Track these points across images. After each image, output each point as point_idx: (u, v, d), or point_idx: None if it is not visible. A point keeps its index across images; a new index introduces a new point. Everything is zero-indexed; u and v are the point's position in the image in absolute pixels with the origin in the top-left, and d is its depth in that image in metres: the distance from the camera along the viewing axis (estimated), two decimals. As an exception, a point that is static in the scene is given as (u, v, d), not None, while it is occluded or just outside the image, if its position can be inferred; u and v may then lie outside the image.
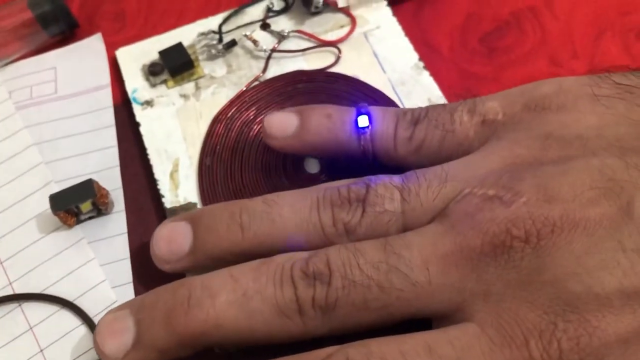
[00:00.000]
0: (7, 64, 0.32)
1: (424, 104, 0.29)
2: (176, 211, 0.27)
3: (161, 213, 0.27)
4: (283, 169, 0.28)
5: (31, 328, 0.25)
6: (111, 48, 0.32)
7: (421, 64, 0.30)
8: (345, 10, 0.31)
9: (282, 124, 0.25)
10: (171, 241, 0.23)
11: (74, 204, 0.26)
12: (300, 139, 0.25)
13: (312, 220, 0.22)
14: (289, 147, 0.25)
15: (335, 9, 0.31)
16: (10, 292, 0.26)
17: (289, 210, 0.23)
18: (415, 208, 0.22)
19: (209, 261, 0.23)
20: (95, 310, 0.25)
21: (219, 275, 0.22)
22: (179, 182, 0.28)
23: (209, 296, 0.21)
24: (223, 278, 0.21)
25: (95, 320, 0.25)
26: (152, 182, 0.28)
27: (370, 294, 0.20)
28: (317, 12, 0.31)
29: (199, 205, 0.27)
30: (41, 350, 0.25)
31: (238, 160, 0.28)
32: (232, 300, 0.21)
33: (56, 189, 0.27)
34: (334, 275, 0.20)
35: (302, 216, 0.22)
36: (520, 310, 0.19)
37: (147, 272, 0.26)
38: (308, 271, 0.21)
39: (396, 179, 0.22)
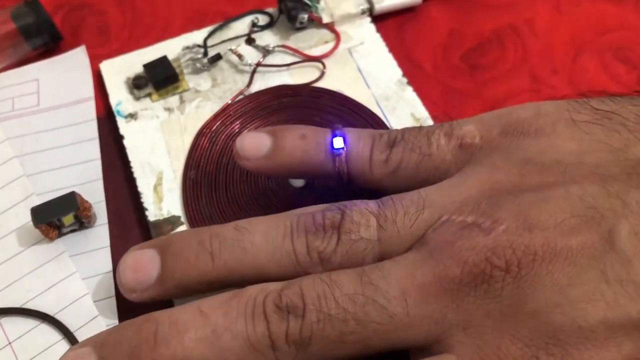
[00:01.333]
0: (-12, 76, 0.31)
1: (407, 119, 0.29)
2: (160, 224, 0.27)
3: (145, 226, 0.27)
4: (267, 182, 0.28)
5: (10, 343, 0.25)
6: (95, 61, 0.32)
7: (405, 80, 0.30)
8: (330, 26, 0.32)
9: (254, 144, 0.24)
10: (138, 269, 0.22)
11: (56, 217, 0.25)
12: (274, 160, 0.24)
13: (286, 249, 0.22)
14: (262, 168, 0.24)
15: (320, 24, 0.32)
16: (-10, 306, 0.25)
17: (262, 237, 0.22)
18: (392, 236, 0.21)
19: (177, 290, 0.23)
20: (77, 324, 0.25)
21: (187, 310, 0.21)
22: (162, 196, 0.28)
23: (176, 333, 0.20)
24: (192, 313, 0.20)
25: (77, 334, 0.24)
26: (135, 195, 0.28)
27: (346, 327, 0.20)
28: (301, 28, 0.31)
29: (182, 219, 0.27)
30: (21, 366, 0.24)
31: (222, 173, 0.28)
32: (201, 337, 0.20)
33: (38, 201, 0.27)
34: (308, 308, 0.20)
35: (275, 244, 0.22)
36: (501, 343, 0.19)
37: (130, 286, 0.26)
38: (281, 304, 0.20)
39: (372, 204, 0.22)
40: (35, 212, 0.25)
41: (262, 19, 0.32)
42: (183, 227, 0.27)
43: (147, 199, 0.27)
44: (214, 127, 0.29)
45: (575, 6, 0.33)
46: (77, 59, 0.31)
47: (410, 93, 0.30)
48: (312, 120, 0.29)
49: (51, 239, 0.26)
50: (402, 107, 0.29)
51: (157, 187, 0.28)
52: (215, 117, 0.29)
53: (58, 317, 0.25)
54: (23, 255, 0.26)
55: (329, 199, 0.26)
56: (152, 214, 0.27)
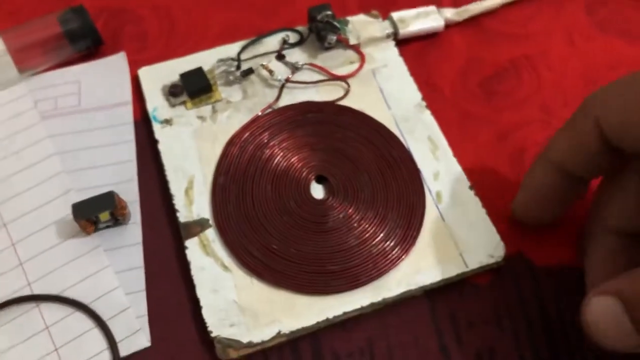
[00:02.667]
0: (33, 75, 0.33)
1: (424, 141, 0.31)
2: (190, 225, 0.29)
3: (175, 226, 0.29)
4: (290, 193, 0.29)
5: (47, 328, 0.27)
6: (132, 66, 0.34)
7: (424, 103, 0.32)
8: (356, 48, 0.33)
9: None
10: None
11: (95, 214, 0.27)
12: None
13: None
14: None
15: (347, 46, 0.33)
16: (29, 293, 0.27)
17: None
18: None
19: None
20: (109, 314, 0.27)
21: None
22: (193, 199, 0.29)
23: None
24: None
25: (109, 324, 0.26)
26: (167, 197, 0.30)
27: None
28: (329, 48, 0.33)
29: (210, 222, 0.29)
30: (56, 349, 0.26)
31: (249, 181, 0.30)
32: None
33: (76, 197, 0.29)
34: None
35: None
36: None
37: (159, 282, 0.28)
38: None
39: None
40: (76, 207, 0.27)
41: (293, 37, 0.34)
42: (211, 230, 0.29)
43: (179, 201, 0.29)
44: (244, 137, 0.31)
45: (588, 41, 0.35)
46: (117, 64, 0.33)
47: (428, 116, 0.32)
48: (334, 136, 0.31)
49: (88, 234, 0.28)
50: (420, 129, 0.31)
51: (188, 191, 0.30)
52: (245, 127, 0.31)
53: (92, 306, 0.27)
54: (61, 247, 0.28)
55: (350, 205, 0.29)
56: (182, 216, 0.29)
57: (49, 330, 0.26)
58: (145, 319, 0.27)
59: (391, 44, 0.34)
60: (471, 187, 0.29)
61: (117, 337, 0.26)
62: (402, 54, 0.34)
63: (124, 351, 0.26)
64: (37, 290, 0.27)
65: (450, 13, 0.35)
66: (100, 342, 0.26)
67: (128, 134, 0.31)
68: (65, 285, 0.27)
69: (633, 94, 0.23)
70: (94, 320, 0.27)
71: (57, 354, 0.26)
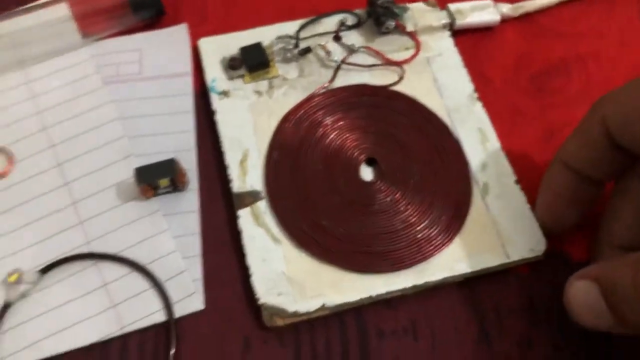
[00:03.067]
0: (96, 40, 0.34)
1: (474, 132, 0.32)
2: (242, 196, 0.30)
3: (229, 196, 0.30)
4: (341, 172, 0.30)
5: (105, 285, 0.28)
6: (192, 38, 0.35)
7: (475, 95, 0.33)
8: (412, 35, 0.34)
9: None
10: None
11: (156, 179, 0.28)
12: None
13: None
14: None
15: (403, 32, 0.34)
16: (88, 251, 0.29)
17: None
18: None
19: None
20: (165, 276, 0.28)
21: None
22: (247, 170, 0.30)
23: None
24: None
25: (165, 285, 0.28)
26: (222, 167, 0.31)
27: None
28: (386, 33, 0.34)
29: (263, 194, 0.30)
30: (114, 306, 0.27)
31: (302, 158, 0.31)
32: None
33: (136, 162, 0.30)
34: None
35: None
36: None
37: (215, 247, 0.29)
38: None
39: None
40: (139, 172, 0.29)
41: (351, 19, 0.35)
42: (263, 202, 0.30)
43: (233, 172, 0.30)
44: (299, 114, 0.32)
45: (639, 42, 0.36)
46: (178, 35, 0.34)
47: (479, 108, 0.32)
48: (386, 121, 0.32)
49: (147, 198, 0.30)
50: (471, 120, 0.32)
51: (242, 162, 0.31)
52: (300, 105, 0.32)
53: (149, 267, 0.28)
54: (120, 209, 0.29)
55: (398, 189, 0.30)
56: (236, 186, 0.30)
57: (107, 288, 0.28)
58: (200, 282, 0.28)
59: (447, 34, 0.35)
60: (517, 182, 0.30)
61: (173, 298, 0.28)
62: (457, 44, 0.34)
63: (178, 312, 0.27)
64: (96, 248, 0.29)
65: (506, 8, 0.35)
66: (156, 303, 0.28)
67: (187, 104, 0.32)
68: (124, 246, 0.29)
69: (637, 93, 0.24)
70: (150, 281, 0.28)
71: (114, 310, 0.27)
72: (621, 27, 0.36)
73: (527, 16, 0.36)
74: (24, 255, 0.29)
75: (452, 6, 0.35)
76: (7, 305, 0.27)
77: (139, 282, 0.28)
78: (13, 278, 0.28)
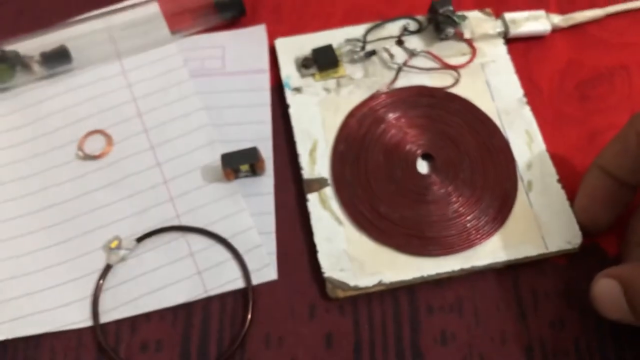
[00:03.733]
0: (183, 37, 0.38)
1: (522, 133, 0.35)
2: (311, 182, 0.34)
3: (299, 182, 0.34)
4: (399, 164, 0.34)
5: (192, 254, 0.32)
6: (268, 37, 0.38)
7: (524, 99, 0.36)
8: (469, 41, 0.37)
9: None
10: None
11: (240, 164, 0.33)
12: None
13: None
14: None
15: (461, 38, 0.37)
16: (177, 223, 0.33)
17: None
18: None
19: None
20: (243, 249, 0.32)
21: None
22: (316, 159, 0.34)
23: None
24: None
25: (244, 256, 0.32)
26: (294, 156, 0.35)
27: None
28: (445, 39, 0.37)
29: (329, 181, 0.34)
30: (199, 272, 0.32)
31: (365, 150, 0.35)
32: None
33: (220, 148, 0.34)
34: None
35: None
36: None
37: (286, 226, 0.33)
38: None
39: None
40: (225, 157, 0.33)
41: (412, 25, 0.38)
42: (329, 188, 0.34)
43: (304, 160, 0.34)
44: (363, 111, 0.36)
45: (682, 56, 0.38)
46: (257, 34, 0.38)
47: (527, 112, 0.35)
48: (442, 120, 0.35)
49: (229, 180, 0.34)
50: (519, 122, 0.35)
51: (312, 152, 0.35)
52: (364, 103, 0.36)
53: (230, 240, 0.32)
54: (206, 189, 0.34)
55: (450, 183, 0.33)
56: (306, 173, 0.34)
57: (193, 257, 0.32)
58: (274, 256, 0.32)
59: (501, 41, 0.38)
60: (559, 181, 0.34)
61: (250, 268, 0.32)
62: (510, 51, 0.37)
63: (255, 280, 0.32)
64: (184, 222, 0.33)
65: (557, 19, 0.38)
66: (236, 271, 0.32)
67: (265, 98, 0.36)
68: (208, 221, 0.33)
69: None
70: (231, 252, 0.32)
71: (199, 277, 0.32)
72: (666, 39, 0.39)
73: (577, 27, 0.39)
74: (122, 224, 0.33)
75: (507, 15, 0.38)
76: (108, 267, 0.32)
77: (221, 253, 0.32)
78: (114, 244, 0.32)
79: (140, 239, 0.33)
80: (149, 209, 0.33)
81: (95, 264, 0.32)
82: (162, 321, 0.31)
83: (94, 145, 0.35)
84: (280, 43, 0.38)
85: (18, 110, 0.36)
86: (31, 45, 0.37)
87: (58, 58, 0.37)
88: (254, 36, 0.38)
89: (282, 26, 0.39)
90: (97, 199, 0.34)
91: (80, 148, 0.35)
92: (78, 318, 0.31)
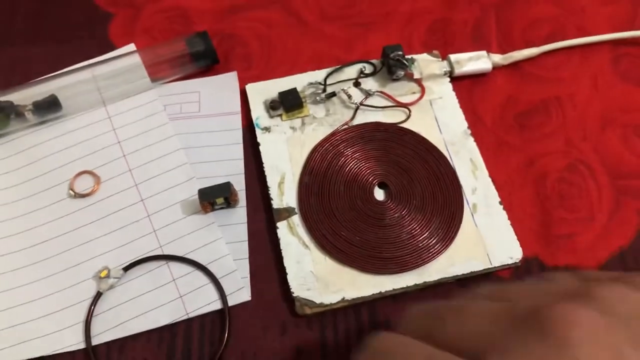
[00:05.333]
0: (162, 84, 0.42)
1: (467, 162, 0.39)
2: (280, 211, 0.38)
3: (270, 211, 0.38)
4: (358, 194, 0.38)
5: (174, 280, 0.36)
6: (239, 81, 0.43)
7: (469, 131, 0.40)
8: (418, 81, 0.42)
9: None
10: None
11: (214, 198, 0.36)
12: None
13: None
14: None
15: (411, 79, 0.42)
16: (160, 253, 0.37)
17: None
18: None
19: None
20: (221, 274, 0.36)
21: None
22: (284, 191, 0.38)
23: None
24: None
25: (220, 281, 0.36)
26: (264, 188, 0.39)
27: None
28: (397, 79, 0.42)
29: (296, 210, 0.38)
30: (181, 296, 0.35)
31: (327, 182, 0.39)
32: None
33: (197, 184, 0.38)
34: None
35: None
36: None
37: (259, 251, 0.37)
38: None
39: None
40: (201, 192, 0.37)
41: (368, 68, 0.42)
42: (296, 216, 0.38)
43: (273, 192, 0.38)
44: (325, 146, 0.40)
45: (609, 87, 0.43)
46: (229, 81, 0.42)
47: (471, 142, 0.40)
48: (395, 152, 0.39)
49: (206, 212, 0.38)
50: (464, 152, 0.39)
51: (280, 185, 0.39)
52: (326, 139, 0.40)
53: (208, 267, 0.36)
54: (185, 220, 0.38)
55: (404, 208, 0.37)
56: (275, 203, 0.38)
57: (175, 282, 0.36)
58: (248, 279, 0.36)
59: (447, 80, 0.42)
60: (500, 203, 0.38)
61: (226, 291, 0.35)
62: (455, 88, 0.42)
63: (231, 302, 0.35)
64: (167, 251, 0.37)
65: (497, 58, 0.43)
66: (214, 294, 0.35)
67: (237, 137, 0.40)
68: (188, 250, 0.37)
69: None
70: (209, 278, 0.36)
71: (181, 300, 0.35)
72: (594, 73, 0.43)
73: (515, 64, 0.43)
74: (111, 255, 0.37)
75: (453, 57, 0.43)
76: (98, 294, 0.36)
77: (200, 278, 0.36)
78: (103, 273, 0.36)
79: (127, 268, 0.36)
80: (135, 240, 0.37)
81: (86, 292, 0.36)
82: (149, 342, 0.35)
83: (84, 184, 0.39)
84: (250, 88, 0.42)
85: (13, 154, 0.40)
86: (24, 95, 0.41)
87: (49, 106, 0.41)
88: (227, 82, 0.42)
89: (251, 72, 0.43)
90: (87, 234, 0.37)
91: (71, 187, 0.39)
92: (72, 341, 0.34)
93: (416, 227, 0.37)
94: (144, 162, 0.39)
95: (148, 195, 0.38)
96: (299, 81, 0.42)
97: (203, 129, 0.41)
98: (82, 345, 0.34)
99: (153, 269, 0.36)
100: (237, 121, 0.41)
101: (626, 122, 0.42)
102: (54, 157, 0.40)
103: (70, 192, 0.39)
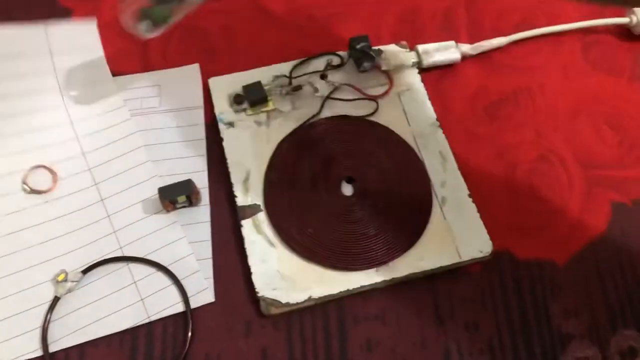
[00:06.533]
0: (122, 76, 0.41)
1: (436, 154, 0.38)
2: (245, 209, 0.37)
3: (234, 209, 0.37)
4: (324, 189, 0.37)
5: (135, 282, 0.35)
6: (202, 75, 0.41)
7: (437, 123, 0.39)
8: (386, 73, 0.41)
9: None
10: None
11: (175, 196, 0.35)
12: None
13: None
14: None
15: (379, 71, 0.41)
16: (121, 254, 0.35)
17: None
18: None
19: None
20: (183, 275, 0.35)
21: None
22: (249, 188, 0.37)
23: None
24: None
25: (183, 282, 0.34)
26: (229, 185, 0.37)
27: None
28: (364, 71, 0.41)
29: (261, 207, 0.37)
30: (142, 299, 0.34)
31: (293, 178, 0.38)
32: None
33: (159, 182, 0.37)
34: None
35: None
36: None
37: (223, 251, 0.36)
38: None
39: None
40: (162, 191, 0.35)
41: (335, 60, 0.41)
42: (261, 213, 0.36)
43: (237, 189, 0.37)
44: (291, 141, 0.39)
45: (580, 76, 0.42)
46: (191, 73, 0.41)
47: (440, 134, 0.39)
48: (363, 146, 0.38)
49: (167, 211, 0.36)
50: (433, 144, 0.39)
51: (245, 181, 0.37)
52: (292, 133, 0.39)
53: (170, 268, 0.35)
54: (146, 220, 0.36)
55: (372, 202, 0.36)
56: (240, 201, 0.37)
57: (136, 285, 0.35)
58: (211, 280, 0.35)
59: (415, 71, 0.41)
60: (470, 195, 0.37)
61: (189, 293, 0.34)
62: (424, 80, 0.41)
63: (193, 304, 0.34)
64: (127, 253, 0.35)
65: (466, 48, 0.42)
66: (176, 296, 0.34)
67: (200, 133, 0.39)
68: (149, 250, 0.35)
69: None
70: (171, 279, 0.35)
71: (142, 303, 0.34)
72: (565, 62, 0.43)
73: (485, 54, 0.43)
74: (69, 257, 0.35)
75: (421, 47, 0.42)
76: (56, 299, 0.34)
77: (162, 279, 0.35)
78: (60, 277, 0.34)
79: (85, 271, 0.35)
80: (94, 242, 0.36)
81: (43, 297, 0.34)
82: (109, 347, 0.34)
83: (39, 179, 0.37)
84: (214, 82, 0.41)
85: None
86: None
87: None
88: (188, 74, 0.41)
89: (215, 65, 0.42)
90: (42, 234, 0.36)
91: (25, 181, 0.37)
92: (28, 349, 0.33)
93: (384, 222, 0.36)
94: (104, 160, 0.38)
95: (108, 195, 0.37)
96: (264, 74, 0.41)
97: (164, 124, 0.39)
98: (39, 353, 0.33)
99: (113, 271, 0.35)
100: (200, 116, 0.40)
101: (597, 112, 0.41)
102: (4, 142, 0.38)
103: (25, 186, 0.37)
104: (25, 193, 0.37)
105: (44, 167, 0.38)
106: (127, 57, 0.42)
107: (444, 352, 0.34)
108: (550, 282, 0.36)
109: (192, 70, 0.41)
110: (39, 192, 0.37)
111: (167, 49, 0.42)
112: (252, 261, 0.35)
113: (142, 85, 0.41)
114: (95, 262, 0.35)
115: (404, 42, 0.42)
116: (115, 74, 0.41)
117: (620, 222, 0.38)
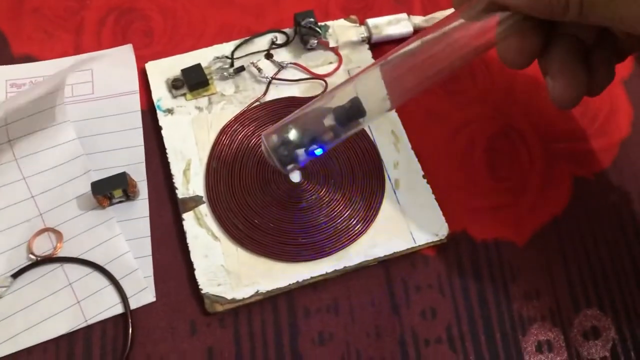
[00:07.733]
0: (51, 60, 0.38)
1: (388, 134, 0.36)
2: (186, 201, 0.34)
3: (175, 202, 0.35)
4: (272, 176, 0.35)
5: (70, 284, 0.32)
6: (140, 60, 0.39)
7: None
8: (335, 50, 0.39)
9: None
10: None
11: (110, 191, 0.33)
12: None
13: None
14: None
15: (327, 48, 0.38)
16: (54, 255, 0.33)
17: None
18: None
19: None
20: (121, 274, 0.33)
21: None
22: (190, 178, 0.35)
23: None
24: None
25: (121, 282, 0.32)
26: (168, 177, 0.35)
27: None
28: (311, 49, 0.38)
29: (204, 199, 0.35)
30: (78, 302, 0.32)
31: (238, 165, 0.35)
32: None
33: (94, 176, 0.35)
34: None
35: None
36: None
37: (163, 247, 0.34)
38: None
39: None
40: (95, 185, 0.33)
41: (280, 38, 0.39)
42: (204, 205, 0.34)
43: (178, 180, 0.35)
44: (234, 127, 0.36)
45: (539, 46, 0.40)
46: (124, 54, 0.38)
47: (392, 112, 0.37)
48: (312, 127, 0.36)
49: (103, 207, 0.34)
50: (385, 124, 0.37)
51: (186, 172, 0.35)
52: (236, 118, 0.37)
53: (107, 267, 0.33)
54: (81, 218, 0.34)
55: (321, 188, 0.34)
56: (180, 193, 0.35)
57: (72, 287, 0.32)
58: (151, 279, 0.33)
59: (365, 47, 0.39)
60: (424, 176, 0.35)
61: (128, 293, 0.32)
62: (375, 56, 0.39)
63: (133, 304, 0.32)
64: (61, 253, 0.33)
65: (419, 20, 0.40)
66: (114, 297, 0.32)
67: (136, 121, 0.37)
68: (85, 249, 0.33)
69: None
70: (108, 279, 0.32)
71: (79, 306, 0.32)
72: (523, 32, 0.41)
73: (439, 26, 0.40)
74: (-2, 261, 0.33)
75: (370, 21, 0.39)
76: (-14, 306, 0.32)
77: (98, 280, 0.33)
78: (-11, 282, 0.32)
79: (16, 275, 0.32)
80: (25, 242, 0.33)
81: (-30, 304, 0.32)
82: (45, 354, 0.31)
83: (-35, 182, 0.35)
84: (151, 66, 0.38)
85: None
86: None
87: None
88: (121, 56, 0.38)
89: (153, 48, 0.39)
90: (-31, 238, 0.33)
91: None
92: (-45, 361, 0.31)
93: (335, 208, 0.34)
94: (33, 151, 0.35)
95: (39, 192, 0.35)
96: (204, 56, 0.38)
97: (98, 113, 0.37)
98: (-34, 365, 0.31)
99: (46, 273, 0.33)
100: (135, 102, 0.37)
101: (557, 83, 0.39)
102: None
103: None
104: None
105: (-34, 162, 0.35)
106: (58, 41, 0.39)
107: (400, 342, 0.32)
108: (510, 264, 0.34)
109: (125, 51, 0.39)
110: (-38, 192, 0.34)
111: (101, 31, 0.40)
112: (194, 257, 0.33)
113: (73, 69, 0.38)
114: (26, 264, 0.33)
115: (353, 17, 0.40)
116: (45, 59, 0.38)
117: (583, 197, 0.36)
